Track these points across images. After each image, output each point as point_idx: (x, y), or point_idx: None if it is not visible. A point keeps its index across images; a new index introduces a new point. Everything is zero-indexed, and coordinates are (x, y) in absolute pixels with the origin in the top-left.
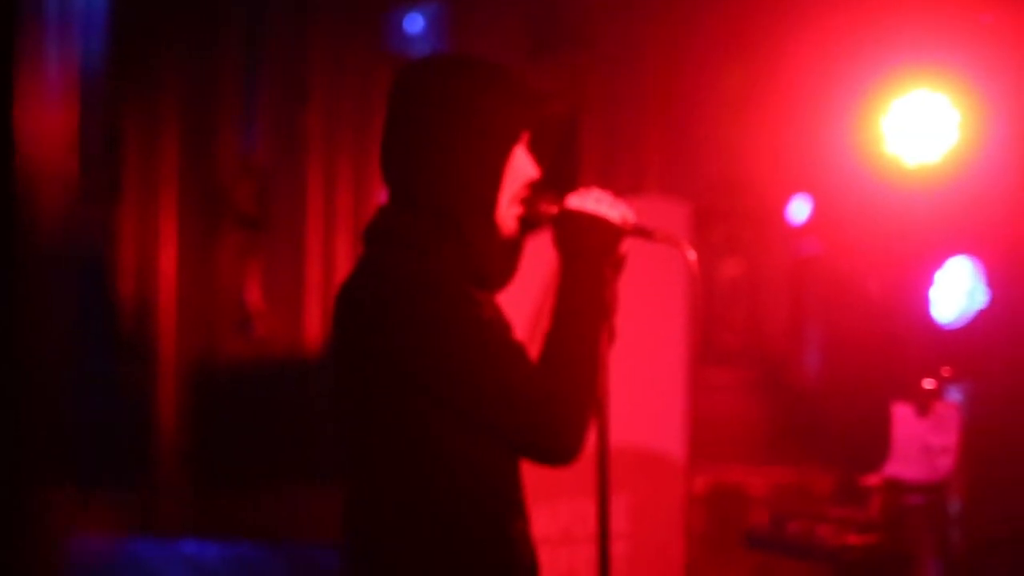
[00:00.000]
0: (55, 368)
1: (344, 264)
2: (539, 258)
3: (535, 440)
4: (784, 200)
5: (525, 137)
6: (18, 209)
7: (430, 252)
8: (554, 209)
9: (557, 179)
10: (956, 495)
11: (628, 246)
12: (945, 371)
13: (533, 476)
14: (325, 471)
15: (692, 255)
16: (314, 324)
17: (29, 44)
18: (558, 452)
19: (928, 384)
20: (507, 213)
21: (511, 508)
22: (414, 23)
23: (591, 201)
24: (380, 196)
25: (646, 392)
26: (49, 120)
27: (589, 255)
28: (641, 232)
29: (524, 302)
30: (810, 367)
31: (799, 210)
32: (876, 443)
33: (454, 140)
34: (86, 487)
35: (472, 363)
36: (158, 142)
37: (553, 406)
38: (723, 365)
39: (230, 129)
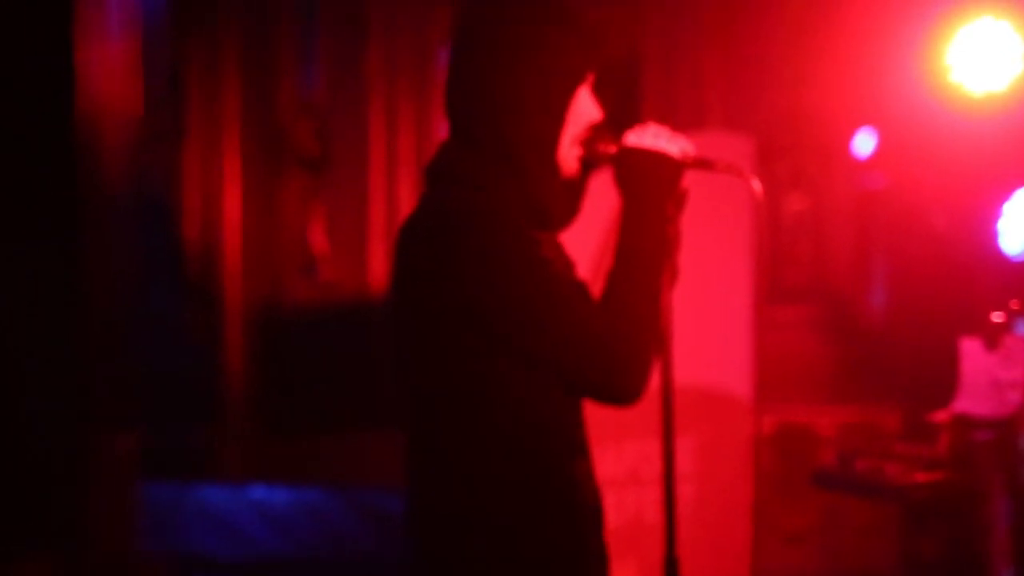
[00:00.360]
0: (120, 312)
1: (407, 204)
2: (602, 197)
3: (598, 379)
4: (849, 133)
5: (590, 78)
6: (80, 148)
7: (492, 191)
8: (613, 148)
9: (620, 119)
10: None
11: (690, 181)
12: (1014, 304)
13: (598, 417)
14: (389, 416)
15: (757, 185)
16: (378, 266)
17: None
18: (621, 392)
19: (997, 317)
20: (568, 154)
21: (574, 448)
22: None
23: (649, 137)
24: (442, 133)
25: (711, 331)
26: (111, 57)
27: (650, 191)
28: (702, 164)
29: (588, 241)
30: (876, 303)
31: (864, 143)
32: (944, 379)
33: (519, 79)
34: (153, 432)
35: (534, 302)
36: (220, 83)
37: (616, 345)
38: (788, 302)
39: (290, 69)
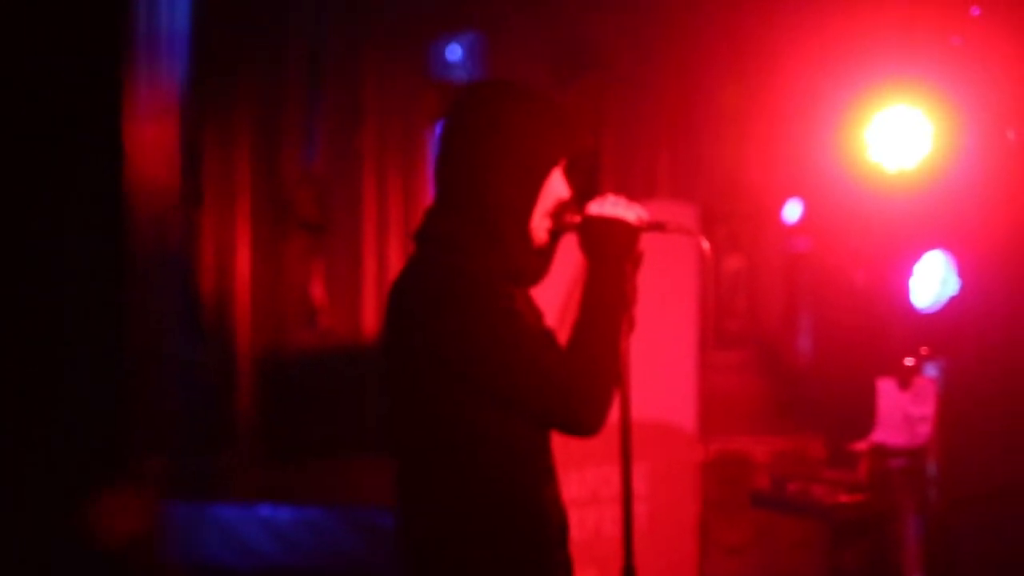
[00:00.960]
0: (155, 353)
1: (396, 263)
2: (567, 257)
3: (564, 415)
4: (779, 202)
5: (562, 162)
6: (128, 213)
7: (472, 253)
8: (577, 218)
9: (584, 194)
10: (933, 458)
11: (645, 243)
12: (923, 350)
13: (563, 445)
14: (379, 444)
15: (705, 244)
16: (370, 316)
17: (134, 66)
18: (584, 425)
19: (909, 361)
20: (539, 224)
21: (542, 475)
22: (454, 52)
23: (608, 205)
24: (427, 201)
25: (661, 371)
26: (152, 134)
27: (611, 254)
28: (656, 227)
29: (554, 295)
30: (803, 349)
31: (792, 211)
32: (862, 414)
33: (501, 161)
34: (175, 458)
35: (507, 350)
36: (233, 155)
37: (580, 385)
38: (727, 348)
39: (294, 145)
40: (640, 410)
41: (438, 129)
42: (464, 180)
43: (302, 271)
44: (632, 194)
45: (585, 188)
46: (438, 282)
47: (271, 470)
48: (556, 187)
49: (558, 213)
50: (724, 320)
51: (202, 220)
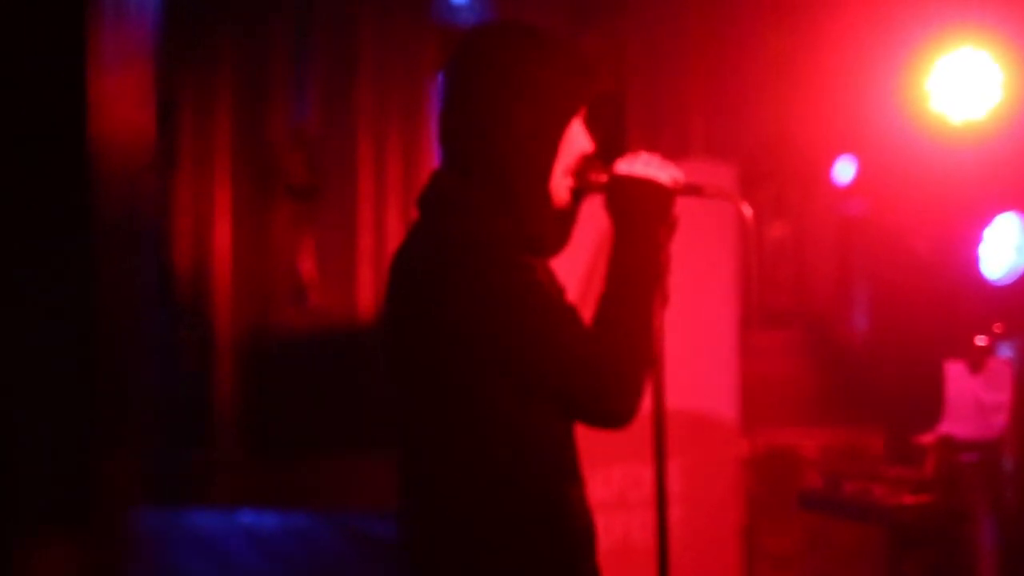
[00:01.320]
0: (122, 337)
1: (395, 233)
2: (589, 223)
3: (590, 403)
4: (830, 161)
5: (581, 111)
6: (93, 175)
7: (485, 219)
8: (604, 177)
9: (608, 149)
10: (1010, 453)
11: (680, 208)
12: (997, 327)
13: (586, 441)
14: (375, 441)
15: (747, 210)
16: (366, 293)
17: (99, 6)
18: (613, 415)
19: (981, 341)
20: (560, 183)
21: (566, 473)
22: None
23: (640, 165)
24: (431, 165)
25: (698, 355)
26: (121, 83)
27: (642, 218)
28: (693, 190)
29: (575, 266)
30: (859, 327)
31: (844, 170)
32: (928, 401)
33: (514, 112)
34: (148, 457)
35: (527, 327)
36: (212, 113)
37: (609, 369)
38: (772, 327)
39: (282, 100)
40: (674, 398)
41: (440, 79)
42: (472, 136)
43: (290, 242)
44: (663, 153)
45: (610, 142)
46: (446, 251)
47: (254, 470)
48: (577, 140)
49: (581, 171)
50: (768, 295)
51: (178, 184)
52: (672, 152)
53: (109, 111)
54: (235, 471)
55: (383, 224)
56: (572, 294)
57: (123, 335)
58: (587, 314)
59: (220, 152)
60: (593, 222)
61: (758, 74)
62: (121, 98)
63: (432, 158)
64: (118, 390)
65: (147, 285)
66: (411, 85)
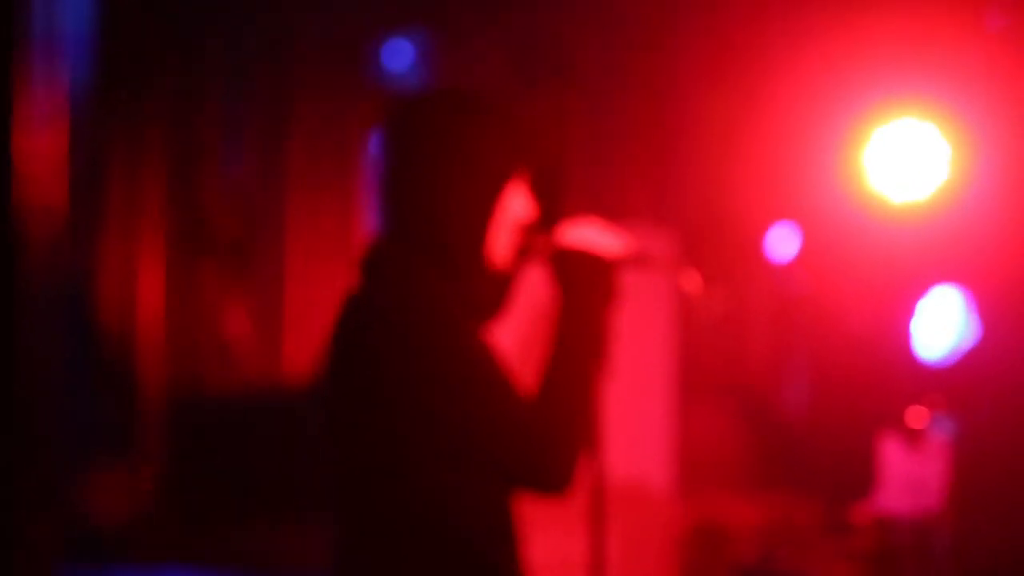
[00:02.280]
0: (44, 400)
1: (327, 294)
2: (525, 288)
3: (528, 473)
4: (768, 233)
5: (522, 175)
6: (15, 238)
7: (424, 284)
8: (549, 244)
9: (550, 213)
10: (945, 529)
11: (622, 278)
12: (933, 403)
13: (524, 508)
14: (307, 502)
15: (693, 280)
16: (296, 354)
17: (22, 68)
18: (551, 485)
19: (916, 417)
20: (500, 248)
21: (505, 538)
22: (395, 53)
23: (585, 233)
24: (363, 226)
25: (634, 424)
26: (40, 146)
27: (587, 290)
28: (639, 261)
29: (511, 331)
30: (794, 400)
31: (783, 243)
32: (862, 474)
33: (450, 178)
34: (71, 520)
35: (466, 394)
36: (142, 171)
37: (548, 440)
38: (707, 397)
39: (213, 160)
40: (610, 468)
41: (378, 145)
42: (409, 202)
43: (219, 301)
44: (600, 219)
45: (550, 208)
46: (385, 316)
47: (181, 532)
48: (515, 203)
49: (525, 237)
50: (705, 366)
51: (103, 241)
52: (612, 218)
53: (30, 173)
54: (162, 532)
55: (314, 284)
56: (510, 360)
57: (43, 399)
58: (522, 380)
59: (148, 209)
60: (528, 288)
61: (699, 143)
62: (43, 160)
63: (365, 219)
64: (39, 452)
65: (69, 348)
66: (343, 142)
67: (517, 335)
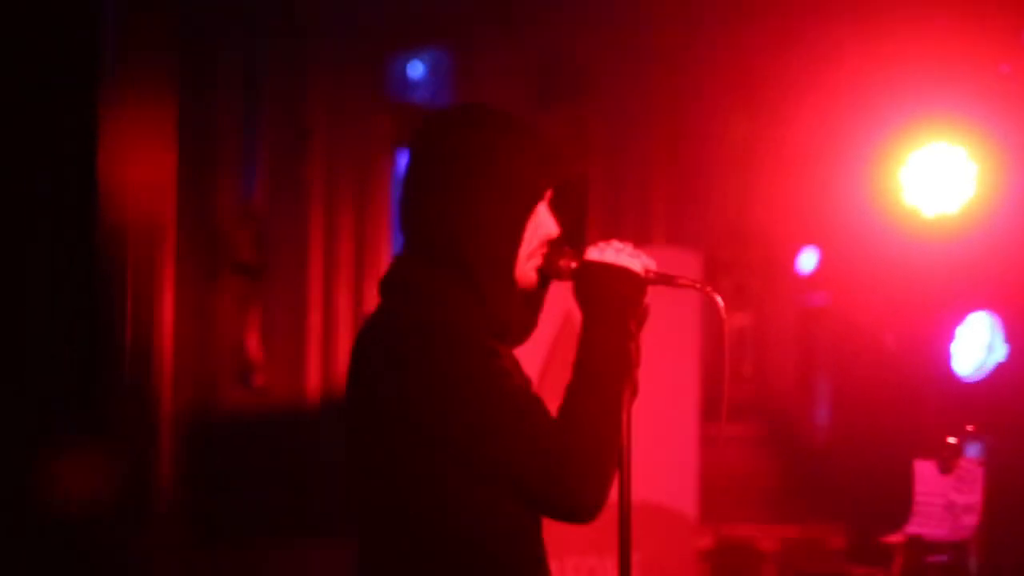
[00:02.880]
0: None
1: (345, 313)
2: (548, 310)
3: (555, 497)
4: (793, 251)
5: (547, 195)
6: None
7: (448, 304)
8: (574, 263)
9: (574, 233)
10: (976, 554)
11: (649, 297)
12: (969, 427)
13: (544, 532)
14: (327, 525)
15: (719, 300)
16: (315, 374)
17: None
18: (580, 510)
19: (951, 440)
20: (526, 268)
21: (530, 563)
22: (415, 70)
23: (611, 252)
24: (383, 243)
25: (659, 447)
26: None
27: (613, 307)
28: (665, 279)
29: (534, 353)
30: (820, 422)
31: (807, 261)
32: (894, 500)
33: (477, 196)
34: (84, 539)
35: (491, 417)
36: (157, 187)
37: (575, 463)
38: (732, 419)
39: (229, 175)
40: (635, 490)
41: (401, 163)
42: (434, 221)
43: (236, 321)
44: (624, 240)
45: (576, 227)
46: (408, 336)
47: (197, 555)
48: (542, 223)
49: (550, 255)
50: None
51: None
52: (634, 238)
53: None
54: (176, 557)
55: (333, 304)
56: (534, 380)
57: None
58: (547, 402)
59: (165, 228)
60: (552, 309)
61: (723, 160)
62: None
63: (385, 237)
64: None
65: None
66: (363, 160)
67: (544, 355)
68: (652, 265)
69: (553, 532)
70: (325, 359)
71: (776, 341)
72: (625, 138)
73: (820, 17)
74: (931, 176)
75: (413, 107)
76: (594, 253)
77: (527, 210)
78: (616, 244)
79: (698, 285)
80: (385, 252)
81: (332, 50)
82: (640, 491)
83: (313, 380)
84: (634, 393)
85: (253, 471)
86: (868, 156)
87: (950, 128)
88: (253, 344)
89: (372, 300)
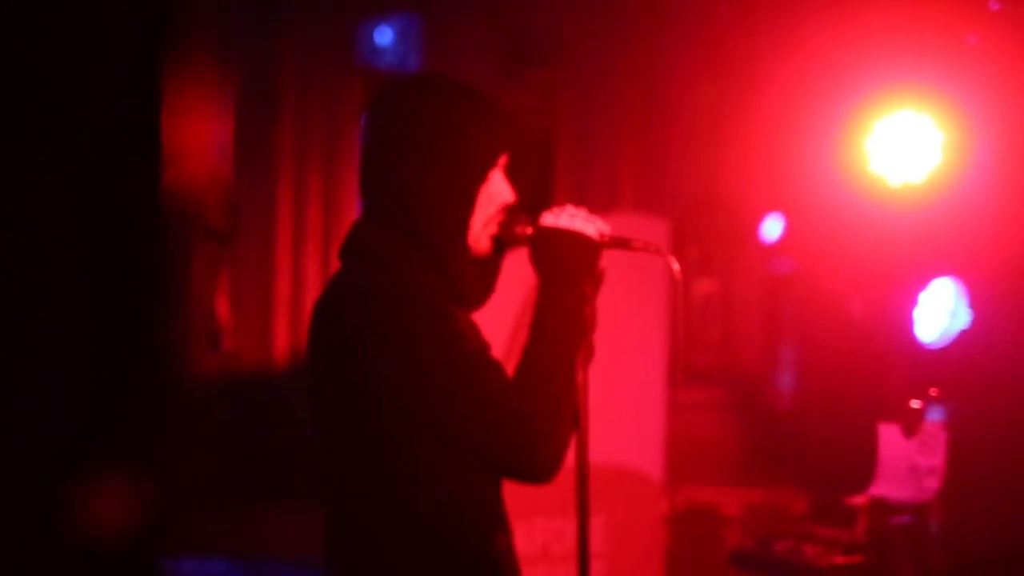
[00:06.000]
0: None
1: (314, 279)
2: (517, 276)
3: (512, 457)
4: (758, 219)
5: (502, 161)
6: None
7: (406, 269)
8: (529, 229)
9: (535, 200)
10: (937, 515)
11: (607, 261)
12: (933, 392)
13: (509, 494)
14: (295, 488)
15: (675, 264)
16: (283, 339)
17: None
18: (535, 470)
19: (915, 404)
20: (481, 235)
21: (493, 522)
22: (384, 36)
23: (566, 217)
24: (351, 210)
25: (623, 411)
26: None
27: (566, 271)
28: (620, 243)
29: (502, 320)
30: (785, 387)
31: (772, 228)
32: (857, 463)
33: (430, 162)
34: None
35: (448, 378)
36: None
37: (531, 422)
38: (697, 385)
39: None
40: (598, 454)
41: (361, 128)
42: (390, 187)
43: (205, 286)
44: (591, 206)
45: (536, 195)
46: (367, 300)
47: (167, 516)
48: (497, 190)
49: (506, 223)
50: (694, 353)
51: None
52: (601, 205)
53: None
54: (147, 516)
55: (301, 268)
56: (499, 349)
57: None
58: (508, 366)
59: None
60: (521, 277)
61: (690, 128)
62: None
63: (353, 203)
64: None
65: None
66: (332, 128)
67: (501, 321)
68: (607, 230)
69: (520, 493)
70: (293, 324)
71: (742, 308)
72: (593, 106)
73: None
74: (897, 145)
75: (382, 73)
76: (548, 219)
77: (479, 177)
78: (570, 209)
79: (652, 249)
80: (353, 218)
81: (301, 17)
82: (605, 454)
83: (281, 345)
84: (590, 355)
85: (221, 434)
86: (835, 125)
87: (916, 97)
88: (222, 308)
89: (338, 266)
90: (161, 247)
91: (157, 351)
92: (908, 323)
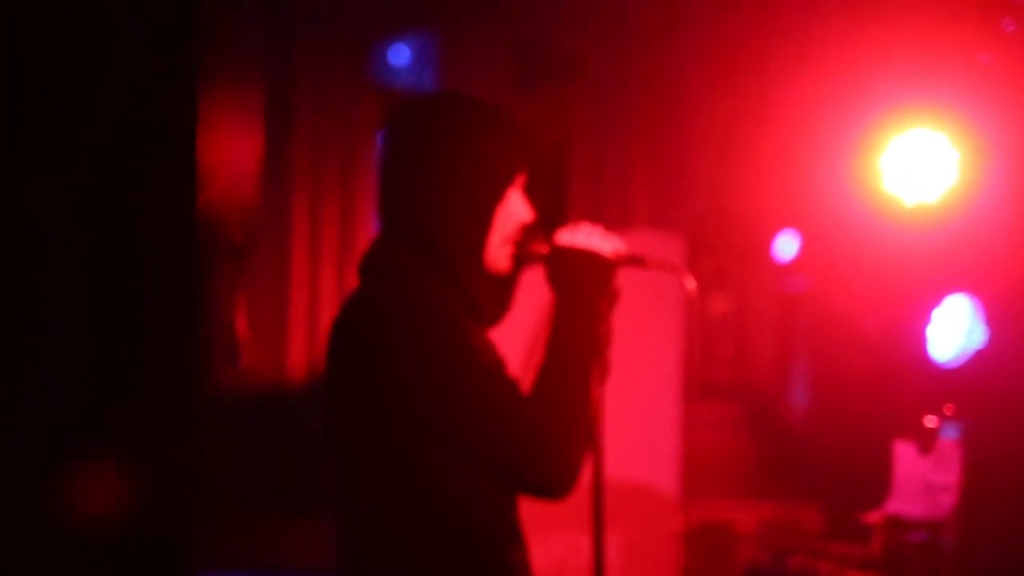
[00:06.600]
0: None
1: (329, 295)
2: (533, 294)
3: (527, 474)
4: (773, 235)
5: (520, 179)
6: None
7: (423, 285)
8: (545, 247)
9: (550, 218)
10: (952, 533)
11: (622, 279)
12: (947, 409)
13: (524, 509)
14: (310, 501)
15: (690, 282)
16: (299, 354)
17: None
18: (550, 487)
19: (930, 422)
20: (498, 253)
21: (508, 536)
22: (400, 54)
23: (581, 236)
24: (367, 226)
25: (638, 427)
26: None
27: (582, 289)
28: (635, 261)
29: (518, 338)
30: (798, 404)
31: (786, 246)
32: (868, 480)
33: (448, 182)
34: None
35: (464, 394)
36: None
37: (545, 440)
38: (712, 400)
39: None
40: (613, 469)
41: (379, 147)
42: (408, 205)
43: (224, 301)
44: (605, 223)
45: (551, 212)
46: (384, 315)
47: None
48: (515, 209)
49: (522, 241)
50: (709, 369)
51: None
52: (615, 222)
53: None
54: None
55: (317, 284)
56: (515, 366)
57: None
58: (527, 387)
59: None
60: (537, 294)
61: (704, 146)
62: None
63: (368, 219)
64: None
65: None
66: (348, 146)
67: (517, 338)
68: (622, 247)
69: (535, 508)
70: (309, 340)
71: (756, 324)
72: (607, 122)
73: (803, 3)
74: (911, 164)
75: (397, 92)
76: (564, 237)
77: (496, 196)
78: (586, 227)
79: (667, 267)
80: (369, 235)
81: (318, 35)
82: (621, 469)
83: (297, 359)
84: (605, 373)
85: (238, 447)
86: (849, 142)
87: (931, 116)
88: (239, 324)
89: (355, 282)
90: (192, 264)
91: (178, 366)
92: (922, 341)
